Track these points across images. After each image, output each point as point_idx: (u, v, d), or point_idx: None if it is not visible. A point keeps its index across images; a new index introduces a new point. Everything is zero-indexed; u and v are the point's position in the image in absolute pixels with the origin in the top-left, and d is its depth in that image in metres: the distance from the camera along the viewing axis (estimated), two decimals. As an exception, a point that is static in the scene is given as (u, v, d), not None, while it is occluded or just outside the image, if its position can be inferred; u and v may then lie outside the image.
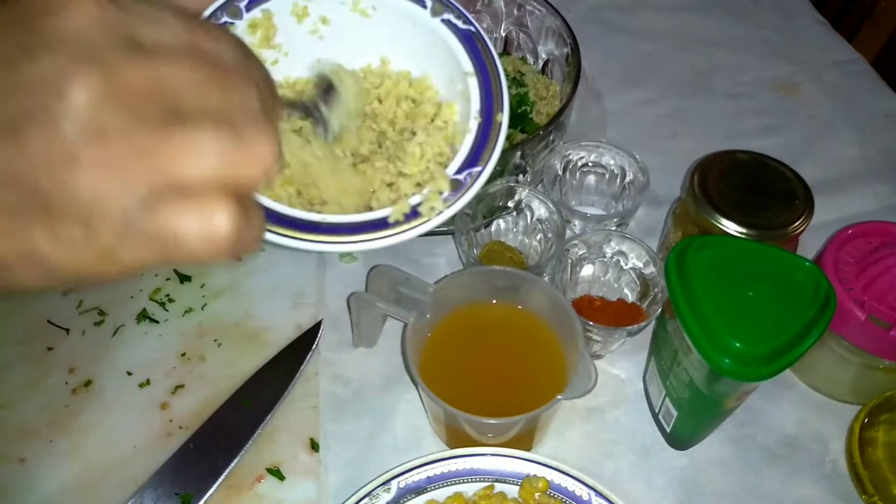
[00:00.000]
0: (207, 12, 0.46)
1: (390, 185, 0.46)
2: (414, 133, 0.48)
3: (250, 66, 0.28)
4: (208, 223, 0.24)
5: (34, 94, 0.23)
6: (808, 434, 0.59)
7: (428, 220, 0.42)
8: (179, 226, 0.24)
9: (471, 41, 0.48)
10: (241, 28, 0.47)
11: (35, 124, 0.23)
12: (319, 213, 0.42)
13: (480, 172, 0.44)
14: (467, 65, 0.48)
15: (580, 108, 0.81)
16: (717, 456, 0.57)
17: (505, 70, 0.74)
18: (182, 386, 0.60)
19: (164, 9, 0.26)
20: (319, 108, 0.45)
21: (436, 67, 0.49)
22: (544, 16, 0.73)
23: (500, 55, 0.78)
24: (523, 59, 0.77)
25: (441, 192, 0.43)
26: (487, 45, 0.48)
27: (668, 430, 0.57)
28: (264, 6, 0.47)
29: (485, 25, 0.78)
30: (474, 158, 0.45)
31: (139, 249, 0.24)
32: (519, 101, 0.72)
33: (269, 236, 0.40)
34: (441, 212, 0.42)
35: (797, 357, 0.46)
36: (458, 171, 0.44)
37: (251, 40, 0.47)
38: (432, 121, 0.49)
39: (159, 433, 0.58)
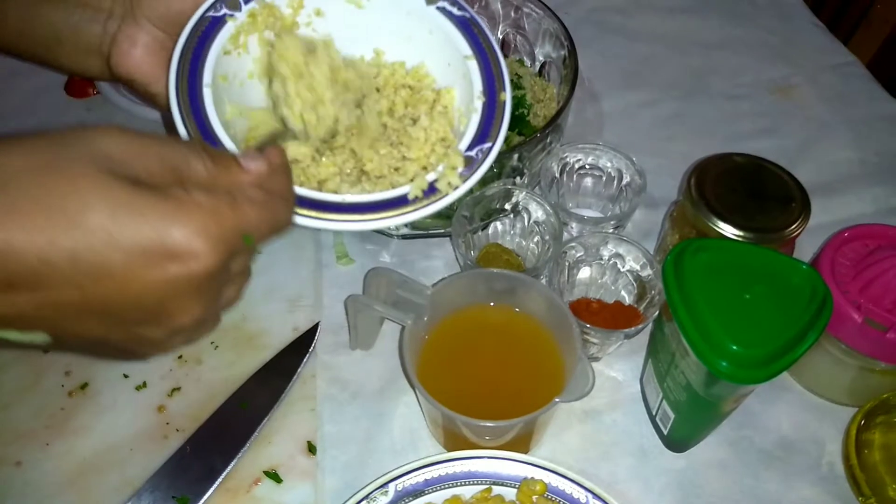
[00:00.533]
0: (208, 2, 0.47)
1: (397, 169, 0.47)
2: (414, 120, 0.49)
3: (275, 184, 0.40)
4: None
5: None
6: (805, 436, 0.59)
7: (446, 195, 0.44)
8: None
9: (467, 26, 0.50)
10: (241, 19, 0.48)
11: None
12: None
13: (491, 148, 0.46)
14: (466, 49, 0.49)
15: (577, 110, 0.81)
16: (715, 458, 0.57)
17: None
18: (179, 388, 0.60)
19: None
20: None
21: (433, 54, 0.51)
22: (541, 18, 0.73)
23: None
24: (520, 61, 0.77)
25: (456, 168, 0.45)
26: (483, 30, 0.50)
27: (666, 432, 0.57)
28: None
29: (482, 28, 0.78)
30: (483, 135, 0.47)
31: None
32: (516, 104, 0.72)
33: (296, 219, 0.42)
34: (458, 186, 0.44)
35: (794, 360, 0.46)
36: (470, 148, 0.46)
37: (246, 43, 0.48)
38: (432, 107, 0.50)
39: (156, 436, 0.57)
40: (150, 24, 0.48)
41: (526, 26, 0.75)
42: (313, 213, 0.42)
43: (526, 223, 0.66)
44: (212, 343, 0.63)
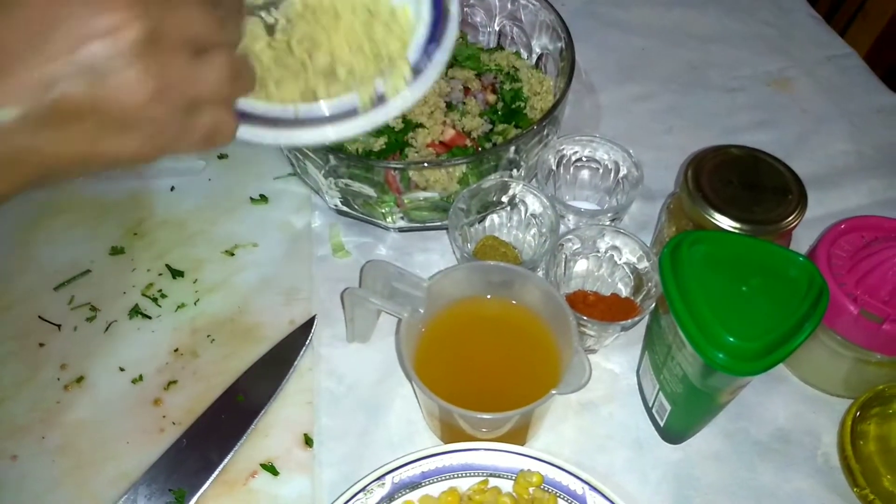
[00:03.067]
0: None
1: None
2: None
3: None
4: (224, 125, 0.37)
5: (97, 42, 0.31)
6: (801, 428, 0.59)
7: (395, 104, 0.44)
8: (208, 127, 0.36)
9: None
10: None
11: (102, 70, 0.31)
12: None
13: (439, 57, 0.45)
14: None
15: (574, 102, 0.81)
16: (711, 450, 0.58)
17: (498, 65, 0.75)
18: (175, 382, 0.60)
19: None
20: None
21: None
22: (538, 10, 0.73)
23: (494, 50, 0.78)
24: (517, 53, 0.77)
25: (403, 76, 0.44)
26: None
27: (662, 424, 0.57)
28: None
29: (478, 19, 0.78)
30: (431, 43, 0.46)
31: (185, 145, 0.36)
32: (513, 97, 0.72)
33: (246, 135, 0.42)
34: (404, 92, 0.44)
35: (790, 351, 0.46)
36: (417, 58, 0.45)
37: None
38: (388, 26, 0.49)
39: (152, 429, 0.57)
40: None
41: (523, 18, 0.75)
42: (264, 130, 0.42)
43: (523, 216, 0.66)
44: (208, 336, 0.63)
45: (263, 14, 0.46)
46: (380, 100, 0.44)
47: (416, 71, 0.45)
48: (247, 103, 0.43)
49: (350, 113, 0.44)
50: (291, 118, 0.44)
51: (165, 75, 0.33)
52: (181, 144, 0.36)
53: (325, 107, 0.44)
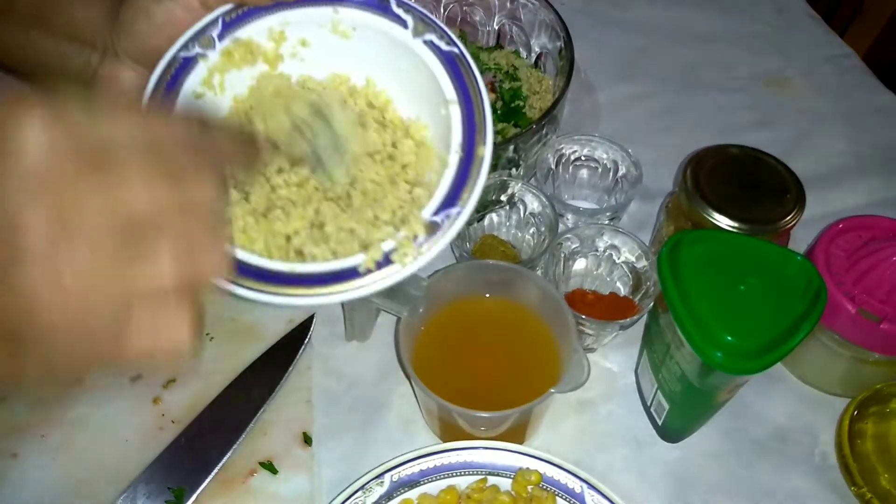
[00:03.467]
0: (179, 43, 0.45)
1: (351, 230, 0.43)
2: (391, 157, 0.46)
3: (211, 143, 0.30)
4: (171, 337, 0.27)
5: None
6: (799, 426, 0.59)
7: (400, 270, 0.40)
8: (143, 342, 0.27)
9: (454, 64, 0.45)
10: (213, 59, 0.45)
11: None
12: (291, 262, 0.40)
13: (459, 214, 0.41)
14: (449, 91, 0.44)
15: (573, 102, 0.81)
16: (709, 448, 0.58)
17: (498, 64, 0.75)
18: (174, 380, 0.60)
19: (115, 110, 0.26)
20: (316, 152, 0.43)
21: (420, 90, 0.46)
22: (537, 9, 0.73)
23: (493, 49, 0.78)
24: (516, 52, 0.77)
25: (416, 237, 0.40)
26: (471, 69, 0.45)
27: (660, 422, 0.57)
28: (237, 35, 0.46)
29: (478, 18, 0.78)
30: (453, 198, 0.42)
31: (108, 364, 0.27)
32: (512, 96, 0.72)
33: (237, 290, 0.38)
34: (415, 259, 0.40)
35: (788, 351, 0.46)
36: (436, 213, 0.41)
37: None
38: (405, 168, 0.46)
39: (151, 427, 0.57)
40: (130, 59, 0.48)
41: (522, 17, 0.75)
42: (255, 285, 0.38)
43: (522, 215, 0.66)
44: (207, 335, 0.63)
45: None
46: (385, 262, 0.40)
47: (433, 227, 0.41)
48: (235, 252, 0.40)
49: (349, 273, 0.40)
50: (285, 273, 0.40)
51: (78, 275, 0.24)
52: (98, 365, 0.27)
53: (325, 265, 0.40)
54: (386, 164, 0.46)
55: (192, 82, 0.45)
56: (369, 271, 0.40)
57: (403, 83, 0.48)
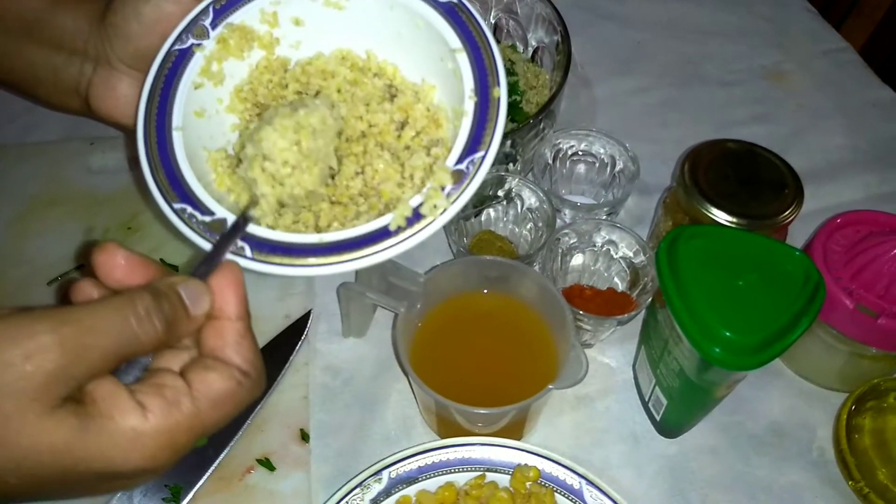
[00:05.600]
0: (173, 36, 0.45)
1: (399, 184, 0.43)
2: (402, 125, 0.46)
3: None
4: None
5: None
6: (796, 422, 0.59)
7: (433, 221, 0.39)
8: None
9: (454, 14, 0.44)
10: (209, 48, 0.45)
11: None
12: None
13: (483, 158, 0.40)
14: (454, 41, 0.44)
15: (570, 96, 0.80)
16: (707, 444, 0.58)
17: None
18: (170, 377, 0.60)
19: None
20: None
21: (423, 50, 0.46)
22: (534, 3, 0.72)
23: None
24: (513, 46, 0.76)
25: (443, 187, 0.39)
26: (473, 16, 0.44)
27: (658, 418, 0.57)
28: (230, 20, 0.46)
29: (474, 13, 0.77)
30: (475, 143, 0.41)
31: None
32: (509, 91, 0.71)
33: (263, 268, 0.38)
34: (445, 209, 0.39)
35: (787, 346, 0.46)
36: (460, 160, 0.40)
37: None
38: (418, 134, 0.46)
39: (148, 425, 0.57)
40: (124, 64, 0.47)
41: (519, 11, 0.75)
42: (286, 260, 0.38)
43: (519, 210, 0.66)
44: (203, 331, 0.62)
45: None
46: (416, 217, 0.39)
47: (458, 175, 0.40)
48: (260, 230, 0.39)
49: (381, 234, 0.39)
50: (312, 244, 0.39)
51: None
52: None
53: (353, 231, 0.39)
54: (400, 133, 0.45)
55: (191, 73, 0.45)
56: (401, 229, 0.39)
57: (406, 46, 0.47)
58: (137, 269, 0.35)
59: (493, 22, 0.77)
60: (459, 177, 0.40)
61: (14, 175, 0.73)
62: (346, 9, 0.47)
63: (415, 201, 0.39)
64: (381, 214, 0.41)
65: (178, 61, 0.45)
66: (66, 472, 0.30)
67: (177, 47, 0.45)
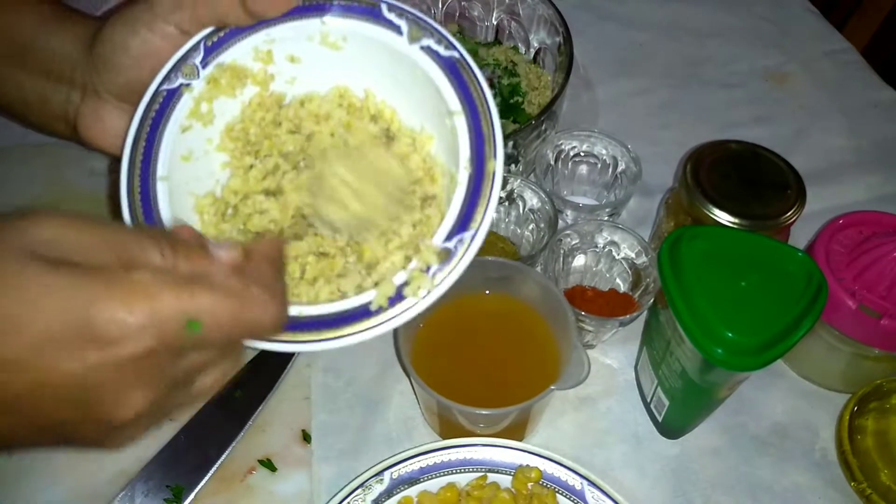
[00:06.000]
0: (160, 75, 0.43)
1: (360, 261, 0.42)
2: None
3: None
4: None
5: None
6: (799, 423, 0.59)
7: (416, 304, 0.38)
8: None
9: (455, 70, 0.42)
10: (198, 88, 0.43)
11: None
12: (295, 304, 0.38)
13: (473, 237, 0.39)
14: (453, 102, 0.41)
15: (572, 97, 0.81)
16: (709, 445, 0.58)
17: (496, 60, 0.74)
18: (172, 378, 0.60)
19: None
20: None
21: (422, 101, 0.44)
22: (536, 4, 0.72)
23: (492, 44, 0.77)
24: (515, 48, 0.76)
25: (429, 267, 0.38)
26: (475, 75, 0.42)
27: (660, 419, 0.57)
28: (221, 59, 0.44)
29: (476, 14, 0.78)
30: (466, 219, 0.39)
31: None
32: (511, 91, 0.72)
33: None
34: (429, 291, 0.38)
35: (789, 347, 0.46)
36: (448, 238, 0.39)
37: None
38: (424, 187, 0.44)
39: (150, 425, 0.57)
40: (111, 95, 0.46)
41: (521, 12, 0.75)
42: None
43: (521, 211, 0.66)
44: (205, 332, 0.62)
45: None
46: (398, 297, 0.38)
47: (445, 254, 0.38)
48: None
49: (361, 313, 0.38)
50: (293, 317, 0.38)
51: (156, 395, 0.32)
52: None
53: (334, 306, 0.38)
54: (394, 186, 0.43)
55: (179, 115, 0.43)
56: (381, 309, 0.37)
57: (404, 93, 0.45)
58: None
59: (495, 23, 0.77)
60: (446, 256, 0.38)
61: (16, 177, 0.73)
62: (344, 49, 0.45)
63: (398, 279, 0.38)
64: (368, 273, 0.40)
65: (165, 102, 0.43)
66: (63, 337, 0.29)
67: (165, 87, 0.43)
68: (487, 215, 0.39)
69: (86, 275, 0.29)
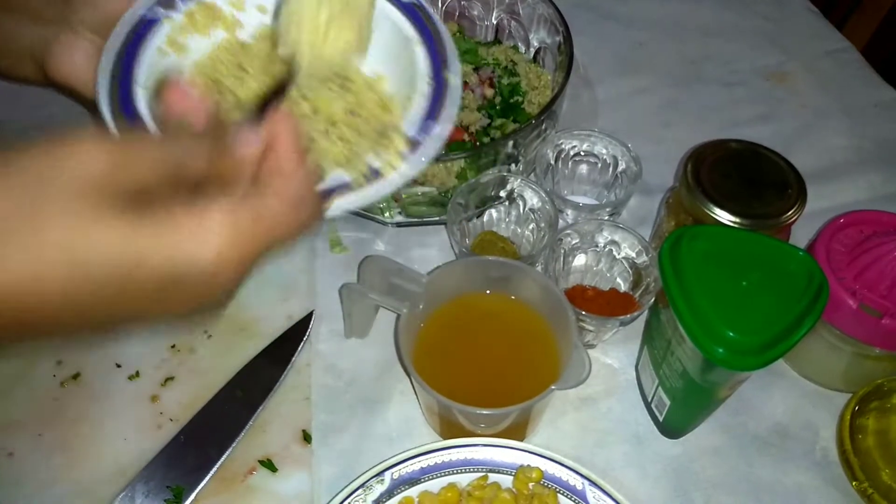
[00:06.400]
0: (144, 4, 0.45)
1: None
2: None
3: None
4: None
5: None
6: (800, 422, 0.59)
7: (389, 178, 0.42)
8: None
9: (413, 12, 0.49)
10: (177, 20, 0.46)
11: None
12: None
13: (436, 130, 0.44)
14: (412, 34, 0.49)
15: (572, 97, 0.80)
16: (710, 444, 0.58)
17: (496, 59, 0.74)
18: (172, 378, 0.60)
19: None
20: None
21: (382, 44, 0.49)
22: (536, 3, 0.72)
23: (492, 44, 0.77)
24: (515, 47, 0.76)
25: (399, 151, 0.43)
26: (430, 15, 0.50)
27: (661, 419, 0.57)
28: None
29: (476, 13, 0.77)
30: (429, 117, 0.45)
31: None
32: (511, 91, 0.71)
33: None
34: (398, 167, 0.42)
35: (790, 346, 0.46)
36: (417, 133, 0.44)
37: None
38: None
39: (150, 426, 0.57)
40: (87, 29, 0.46)
41: (521, 11, 0.75)
42: None
43: (521, 210, 0.66)
44: (205, 332, 0.62)
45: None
46: (374, 175, 0.42)
47: (414, 144, 0.44)
48: None
49: (342, 188, 0.42)
50: None
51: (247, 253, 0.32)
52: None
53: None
54: (352, 120, 0.47)
55: (157, 41, 0.46)
56: (360, 185, 0.41)
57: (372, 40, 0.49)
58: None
59: (495, 22, 0.77)
60: (415, 145, 0.43)
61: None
62: None
63: (372, 162, 0.42)
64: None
65: (145, 27, 0.46)
66: (123, 279, 0.29)
67: (147, 15, 0.46)
68: (450, 115, 0.45)
69: (167, 217, 0.30)
